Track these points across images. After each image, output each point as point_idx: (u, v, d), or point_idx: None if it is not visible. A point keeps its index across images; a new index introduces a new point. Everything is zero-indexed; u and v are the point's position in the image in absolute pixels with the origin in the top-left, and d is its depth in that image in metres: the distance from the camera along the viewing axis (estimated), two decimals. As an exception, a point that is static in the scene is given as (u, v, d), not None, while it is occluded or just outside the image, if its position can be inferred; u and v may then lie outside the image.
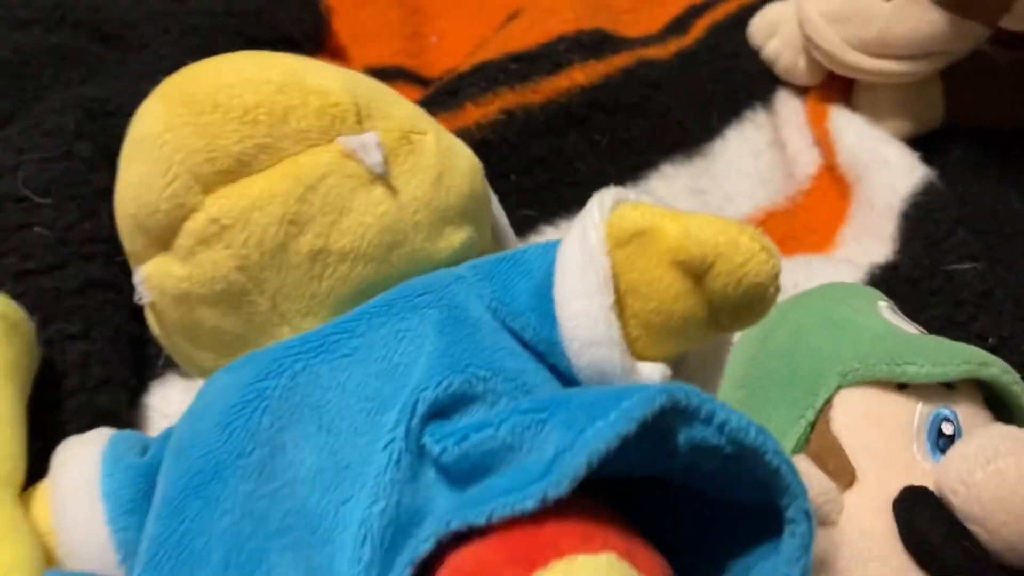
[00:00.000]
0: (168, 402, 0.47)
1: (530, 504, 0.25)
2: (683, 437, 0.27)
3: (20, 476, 0.34)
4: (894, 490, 0.37)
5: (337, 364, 0.31)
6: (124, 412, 0.45)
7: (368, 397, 0.30)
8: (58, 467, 0.35)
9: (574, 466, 0.25)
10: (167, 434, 0.36)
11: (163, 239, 0.33)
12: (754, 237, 0.30)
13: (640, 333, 0.32)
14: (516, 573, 0.25)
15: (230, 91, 0.32)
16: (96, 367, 0.43)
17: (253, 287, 0.32)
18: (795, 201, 0.68)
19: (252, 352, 0.33)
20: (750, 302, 0.31)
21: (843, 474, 0.38)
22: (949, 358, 0.40)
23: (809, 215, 0.67)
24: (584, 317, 0.31)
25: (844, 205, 0.66)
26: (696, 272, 0.30)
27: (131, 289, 0.35)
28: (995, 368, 0.39)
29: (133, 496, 0.33)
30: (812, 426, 0.40)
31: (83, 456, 0.35)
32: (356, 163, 0.32)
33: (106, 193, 0.38)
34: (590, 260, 0.31)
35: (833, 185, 0.67)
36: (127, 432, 0.37)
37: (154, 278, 0.34)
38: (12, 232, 0.45)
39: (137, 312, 0.41)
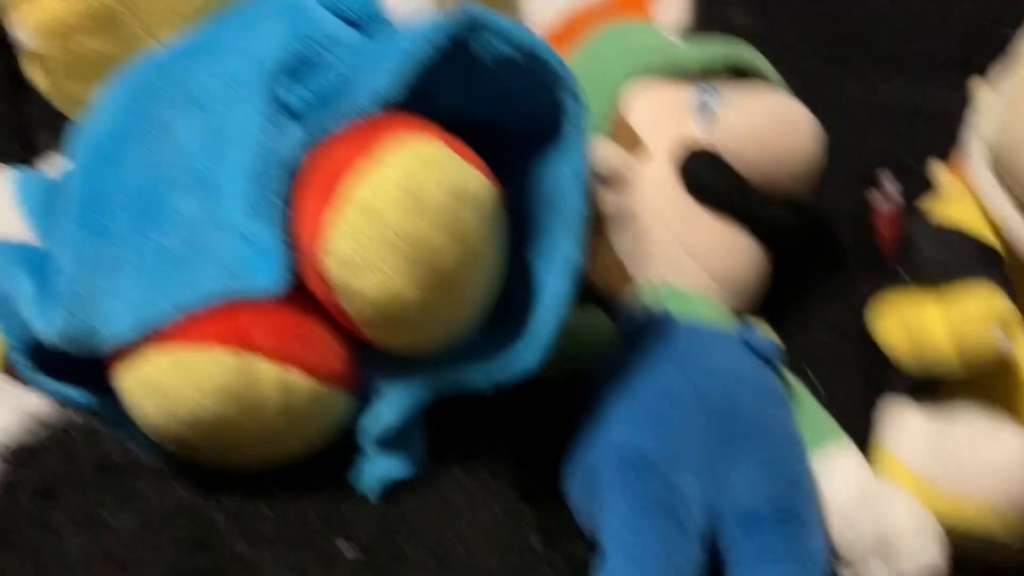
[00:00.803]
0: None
1: (364, 101, 0.33)
2: (484, 52, 0.35)
3: None
4: (676, 152, 0.47)
5: (202, 58, 0.38)
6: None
7: (230, 75, 0.37)
8: None
9: (400, 64, 0.33)
10: None
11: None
12: None
13: None
14: (359, 153, 0.32)
15: None
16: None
17: (126, 11, 0.39)
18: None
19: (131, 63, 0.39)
20: None
21: (634, 146, 0.48)
22: (712, 50, 0.49)
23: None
24: None
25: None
26: None
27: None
28: (748, 54, 0.49)
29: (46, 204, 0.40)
30: (610, 120, 0.49)
31: None
32: None
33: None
34: None
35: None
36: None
37: (35, 20, 0.39)
38: None
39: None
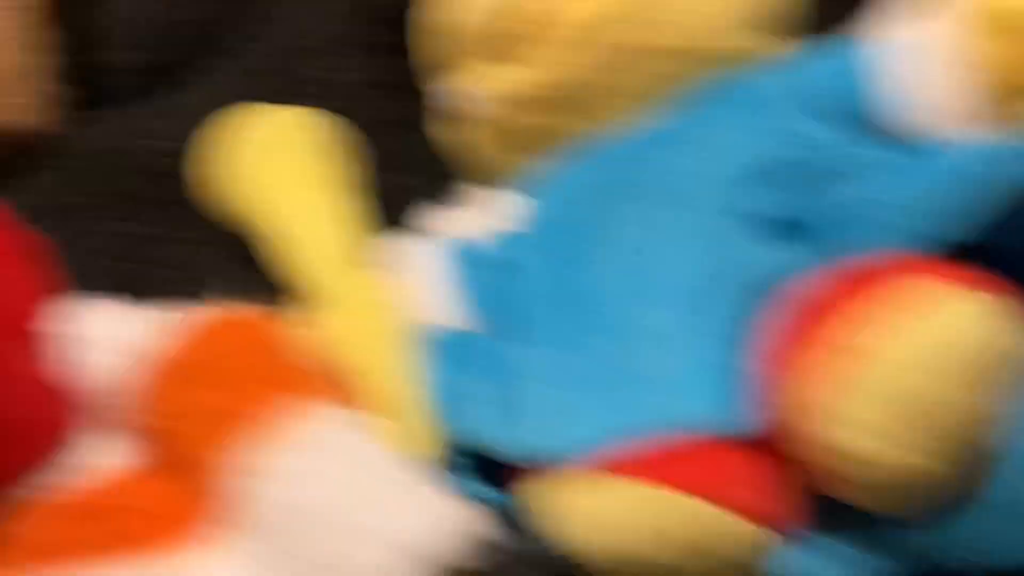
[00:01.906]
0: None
1: (898, 232, 0.28)
2: None
3: None
4: None
5: (666, 149, 0.35)
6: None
7: (695, 174, 0.34)
8: (400, 254, 0.38)
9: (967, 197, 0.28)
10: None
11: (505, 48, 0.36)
12: None
13: None
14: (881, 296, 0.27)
15: None
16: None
17: (592, 89, 0.36)
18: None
19: (586, 145, 0.36)
20: None
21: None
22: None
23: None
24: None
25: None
26: None
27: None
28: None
29: (486, 283, 0.37)
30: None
31: (423, 249, 0.39)
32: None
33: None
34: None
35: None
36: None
37: (490, 86, 0.37)
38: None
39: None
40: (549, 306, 0.32)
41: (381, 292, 0.37)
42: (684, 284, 0.33)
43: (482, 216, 0.49)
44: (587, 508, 0.30)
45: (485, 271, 0.37)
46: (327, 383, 0.33)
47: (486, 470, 0.34)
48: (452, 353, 0.33)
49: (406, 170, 0.49)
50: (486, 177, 0.42)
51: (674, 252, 0.33)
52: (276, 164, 0.39)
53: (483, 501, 0.32)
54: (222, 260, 0.45)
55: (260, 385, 0.32)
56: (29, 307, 0.36)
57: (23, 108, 0.49)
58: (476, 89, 0.37)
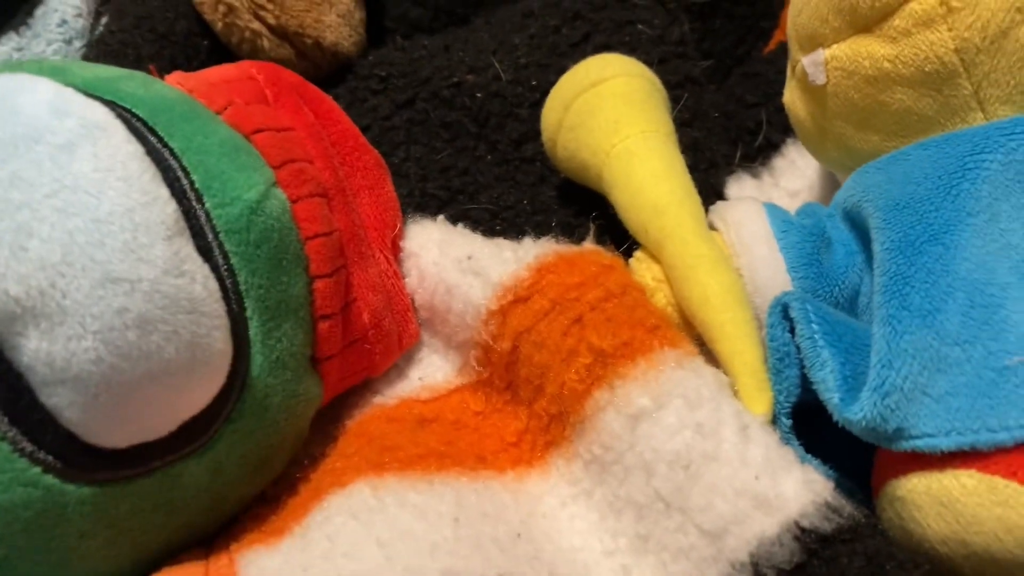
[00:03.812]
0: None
1: None
2: None
3: None
4: None
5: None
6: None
7: None
8: (730, 222, 0.39)
9: None
10: (811, 209, 0.40)
11: (869, 20, 0.36)
12: None
13: None
14: None
15: None
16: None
17: (963, 71, 0.35)
18: None
19: (950, 133, 0.36)
20: None
21: None
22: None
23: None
24: None
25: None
26: None
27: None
28: None
29: (808, 251, 0.38)
30: None
31: (752, 214, 0.39)
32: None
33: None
34: None
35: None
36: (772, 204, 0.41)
37: (843, 59, 0.37)
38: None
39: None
40: (901, 284, 0.32)
41: (723, 251, 0.38)
42: None
43: (792, 180, 0.49)
44: (941, 493, 0.30)
45: (799, 237, 0.37)
46: (683, 335, 0.34)
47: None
48: (800, 317, 0.33)
49: (707, 130, 0.50)
50: (815, 147, 0.42)
51: None
52: (635, 114, 0.40)
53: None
54: (544, 199, 0.47)
55: (638, 330, 0.33)
56: (396, 223, 0.38)
57: (339, 29, 0.52)
58: (821, 62, 0.37)
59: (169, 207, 0.28)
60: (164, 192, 0.28)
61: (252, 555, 0.29)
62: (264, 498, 0.34)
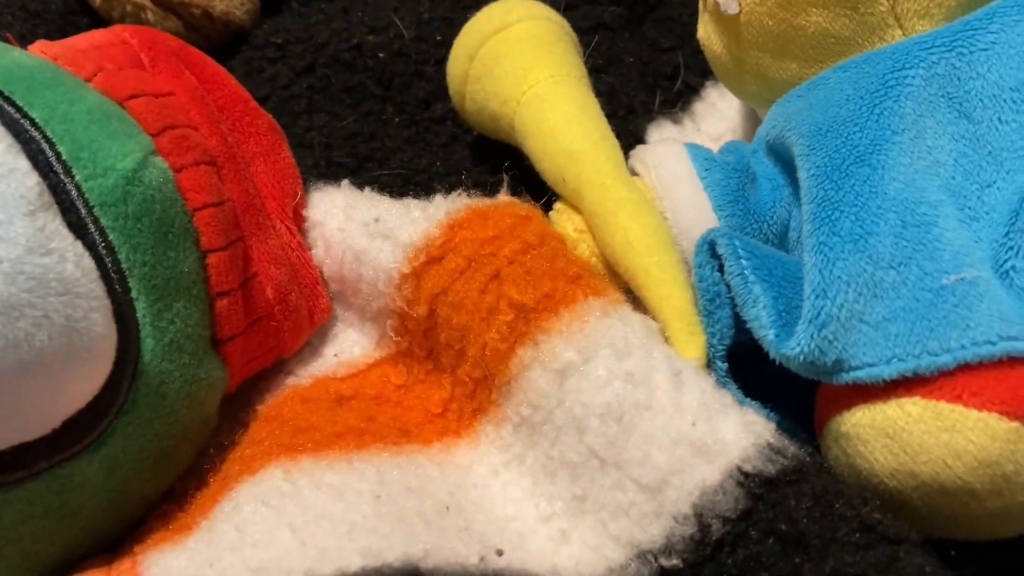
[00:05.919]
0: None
1: None
2: None
3: None
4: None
5: (974, 57, 0.32)
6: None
7: (1013, 87, 0.32)
8: (651, 164, 0.37)
9: None
10: (733, 147, 0.38)
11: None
12: None
13: None
14: None
15: None
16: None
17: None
18: None
19: (869, 52, 0.34)
20: None
21: None
22: None
23: None
24: None
25: None
26: None
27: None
28: None
29: (733, 189, 0.36)
30: None
31: (673, 155, 0.37)
32: None
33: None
34: None
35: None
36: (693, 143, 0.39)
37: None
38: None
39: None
40: (830, 210, 0.31)
41: (645, 194, 0.36)
42: (997, 200, 0.31)
43: (713, 124, 0.47)
44: (885, 424, 0.29)
45: (723, 175, 0.35)
46: (607, 283, 0.32)
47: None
48: (728, 253, 0.31)
49: (623, 76, 0.48)
50: (733, 83, 0.41)
51: (984, 166, 0.31)
52: (543, 58, 0.38)
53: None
54: (457, 159, 0.45)
55: (560, 281, 0.31)
56: (297, 192, 0.35)
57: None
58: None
59: (30, 179, 0.26)
60: (23, 164, 0.26)
61: (157, 555, 0.27)
62: (172, 494, 0.31)
